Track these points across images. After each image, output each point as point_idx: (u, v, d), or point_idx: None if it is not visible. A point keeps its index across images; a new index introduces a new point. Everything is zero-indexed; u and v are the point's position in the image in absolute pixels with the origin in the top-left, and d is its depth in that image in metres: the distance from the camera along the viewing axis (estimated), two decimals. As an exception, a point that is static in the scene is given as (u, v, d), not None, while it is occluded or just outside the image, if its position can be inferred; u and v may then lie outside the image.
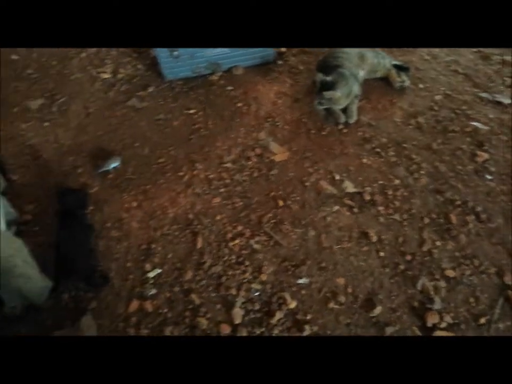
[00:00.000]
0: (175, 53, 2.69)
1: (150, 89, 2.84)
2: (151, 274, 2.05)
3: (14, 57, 3.09)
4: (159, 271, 2.06)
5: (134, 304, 1.96)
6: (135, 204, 2.30)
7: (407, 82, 2.67)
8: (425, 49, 2.91)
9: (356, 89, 2.56)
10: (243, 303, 1.95)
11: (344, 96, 2.51)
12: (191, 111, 2.71)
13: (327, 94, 2.45)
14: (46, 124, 2.70)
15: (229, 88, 2.81)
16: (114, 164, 2.43)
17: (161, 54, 2.71)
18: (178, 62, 2.76)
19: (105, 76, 2.92)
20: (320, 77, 2.52)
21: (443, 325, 1.84)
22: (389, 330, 1.83)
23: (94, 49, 3.07)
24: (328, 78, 2.50)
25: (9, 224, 2.02)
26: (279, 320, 1.89)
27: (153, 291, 2.00)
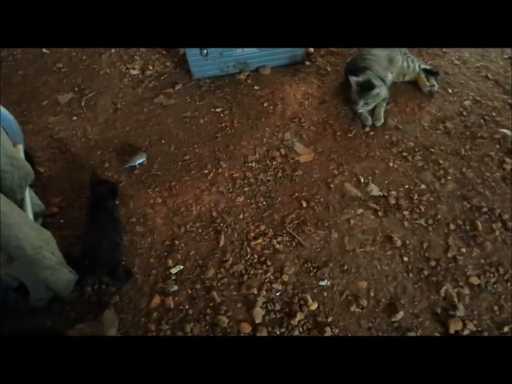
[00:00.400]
0: (204, 51, 2.71)
1: (178, 87, 2.86)
2: (174, 271, 2.06)
3: (44, 51, 3.14)
4: (182, 267, 2.07)
5: (156, 300, 1.98)
6: (160, 200, 2.32)
7: (436, 87, 2.64)
8: (454, 54, 2.87)
9: (383, 92, 2.54)
10: (264, 302, 1.95)
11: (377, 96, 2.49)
12: (218, 110, 2.72)
13: (374, 91, 2.44)
14: (75, 118, 2.74)
15: (256, 87, 2.81)
16: (140, 160, 2.46)
17: (191, 52, 2.73)
18: (207, 60, 2.78)
19: (134, 72, 2.95)
20: (354, 79, 2.50)
21: (466, 332, 1.82)
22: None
23: (123, 46, 3.10)
24: (361, 79, 2.48)
25: (36, 216, 2.05)
26: (299, 321, 1.89)
27: (175, 287, 2.01)
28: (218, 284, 2.02)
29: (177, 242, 2.16)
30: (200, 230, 2.20)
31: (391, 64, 2.65)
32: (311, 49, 2.97)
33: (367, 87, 2.45)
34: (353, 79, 2.51)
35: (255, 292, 1.98)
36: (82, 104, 2.80)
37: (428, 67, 2.71)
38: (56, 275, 1.76)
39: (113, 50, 3.08)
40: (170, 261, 2.09)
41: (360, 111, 2.53)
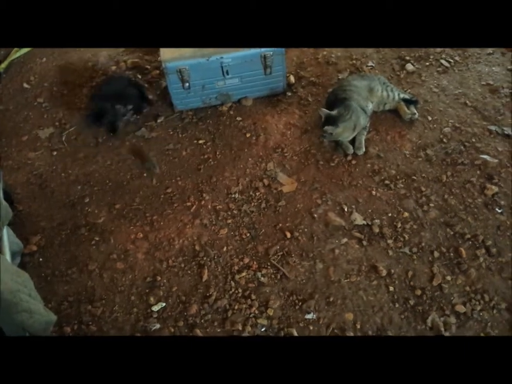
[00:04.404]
0: (186, 84, 2.72)
1: (160, 120, 2.85)
2: (155, 308, 2.02)
3: (25, 85, 3.12)
4: (164, 304, 2.03)
5: (138, 339, 1.93)
6: (141, 235, 2.29)
7: (416, 115, 2.67)
8: (433, 82, 2.91)
9: (363, 121, 2.56)
10: (249, 339, 1.91)
11: (350, 128, 2.51)
12: (200, 141, 2.72)
13: (328, 129, 2.47)
14: (55, 153, 2.71)
15: (238, 118, 2.82)
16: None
17: (173, 85, 2.73)
18: (189, 92, 2.78)
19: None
20: (323, 111, 2.54)
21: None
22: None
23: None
24: (333, 112, 2.51)
25: (14, 255, 2.01)
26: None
27: (157, 326, 1.97)
28: (202, 321, 1.98)
29: (159, 278, 2.12)
30: (182, 265, 2.17)
31: (371, 94, 2.68)
32: (292, 80, 2.99)
33: (330, 122, 2.49)
34: (323, 111, 2.55)
35: (240, 327, 1.95)
36: (63, 139, 2.78)
37: (407, 96, 2.74)
38: (33, 318, 1.70)
39: (94, 83, 3.07)
40: (152, 298, 2.05)
41: (321, 140, 2.59)
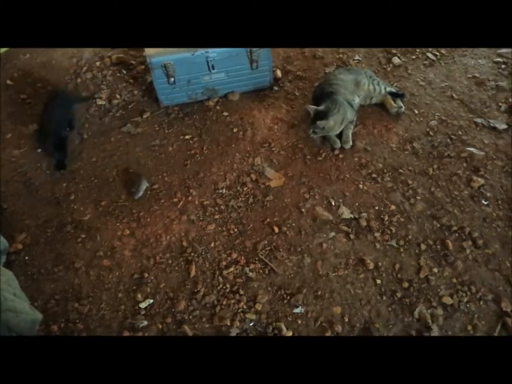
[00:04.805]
0: (172, 79, 2.70)
1: (146, 115, 2.83)
2: (143, 305, 2.01)
3: (9, 82, 3.08)
4: (151, 301, 2.02)
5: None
6: (127, 232, 2.27)
7: (403, 108, 2.67)
8: (420, 75, 2.91)
9: (350, 115, 2.56)
10: (238, 334, 1.91)
11: (338, 122, 2.50)
12: (187, 137, 2.70)
13: (320, 123, 2.45)
14: (39, 150, 2.67)
15: (225, 113, 2.80)
16: (145, 185, 2.46)
17: (158, 80, 2.71)
18: (175, 88, 2.76)
19: (101, 101, 2.91)
20: (311, 108, 2.54)
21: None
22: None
23: (89, 75, 3.06)
24: (320, 108, 2.50)
25: (-1, 253, 1.99)
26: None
27: (145, 323, 1.96)
28: (190, 317, 1.97)
29: (146, 275, 2.11)
30: (170, 261, 2.16)
31: (357, 87, 2.67)
32: (279, 75, 2.98)
33: (320, 116, 2.47)
34: (310, 108, 2.55)
35: (228, 323, 1.94)
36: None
37: (393, 89, 2.74)
38: (18, 317, 1.69)
39: (79, 80, 3.03)
40: (139, 295, 2.04)
41: (310, 136, 2.56)
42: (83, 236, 2.26)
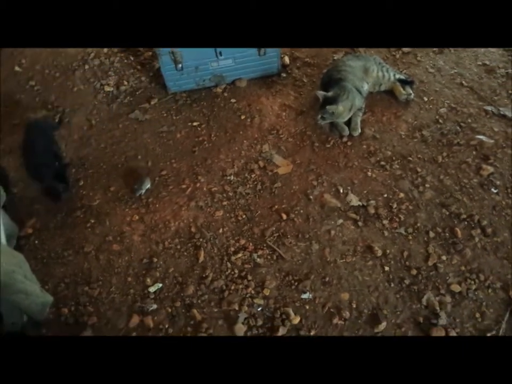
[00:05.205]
0: (179, 65, 2.69)
1: (153, 102, 2.83)
2: (152, 289, 2.02)
3: (17, 69, 3.08)
4: (160, 285, 2.04)
5: (135, 320, 1.94)
6: (136, 217, 2.28)
7: (412, 95, 2.66)
8: (429, 62, 2.89)
9: (359, 102, 2.55)
10: (246, 318, 1.93)
11: (347, 109, 2.49)
12: (195, 124, 2.70)
13: (330, 108, 2.43)
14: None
15: (233, 100, 2.80)
16: (147, 185, 2.40)
17: (166, 66, 2.71)
18: (182, 74, 2.76)
19: (108, 88, 2.91)
20: (320, 94, 2.53)
21: (449, 341, 1.80)
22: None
23: (97, 62, 3.06)
24: (329, 94, 2.49)
25: (9, 238, 2.00)
26: (282, 336, 1.86)
27: (154, 306, 1.97)
28: (199, 301, 1.98)
29: (155, 259, 2.12)
30: (179, 247, 2.17)
31: (366, 74, 2.66)
32: (287, 61, 2.97)
33: (329, 102, 2.46)
34: (319, 93, 2.54)
35: (236, 307, 1.95)
36: (56, 121, 2.75)
37: (402, 76, 2.72)
38: (29, 299, 1.71)
39: (86, 66, 3.04)
40: (148, 279, 2.05)
41: (319, 122, 2.54)
42: (92, 221, 2.27)
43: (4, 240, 1.87)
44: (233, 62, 2.78)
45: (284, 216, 2.24)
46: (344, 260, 2.08)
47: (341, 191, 2.32)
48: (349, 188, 2.33)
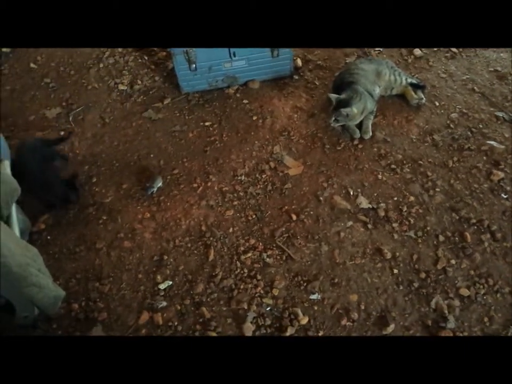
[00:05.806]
0: (193, 66, 2.71)
1: (167, 101, 2.85)
2: (162, 286, 2.04)
3: (32, 65, 3.12)
4: (170, 283, 2.06)
5: (144, 316, 1.96)
6: (148, 215, 2.30)
7: (424, 100, 2.66)
8: (441, 67, 2.90)
9: (370, 105, 2.55)
10: (254, 318, 1.94)
11: (360, 111, 2.50)
12: (207, 124, 2.72)
13: (345, 110, 2.44)
14: (62, 133, 2.71)
15: (245, 101, 2.82)
16: (159, 184, 2.40)
17: (179, 66, 2.73)
18: (196, 74, 2.78)
19: (122, 87, 2.94)
20: (333, 96, 2.54)
21: (457, 345, 1.81)
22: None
23: (111, 60, 3.09)
24: (342, 96, 2.51)
25: (22, 232, 2.02)
26: (290, 336, 1.87)
27: (164, 303, 1.99)
28: (208, 299, 2.00)
29: (166, 257, 2.14)
30: (189, 245, 2.19)
31: (378, 78, 2.67)
32: (300, 64, 2.99)
33: (343, 105, 2.47)
34: (332, 96, 2.54)
35: (245, 307, 1.97)
36: (70, 119, 2.79)
37: (414, 80, 2.73)
38: (42, 292, 1.73)
39: (101, 65, 3.07)
40: (159, 277, 2.08)
41: (332, 125, 2.55)
42: (104, 218, 2.30)
43: (18, 234, 1.89)
44: (247, 63, 2.80)
45: (294, 217, 2.26)
46: (353, 262, 2.09)
47: (351, 193, 2.33)
48: (359, 190, 2.34)
